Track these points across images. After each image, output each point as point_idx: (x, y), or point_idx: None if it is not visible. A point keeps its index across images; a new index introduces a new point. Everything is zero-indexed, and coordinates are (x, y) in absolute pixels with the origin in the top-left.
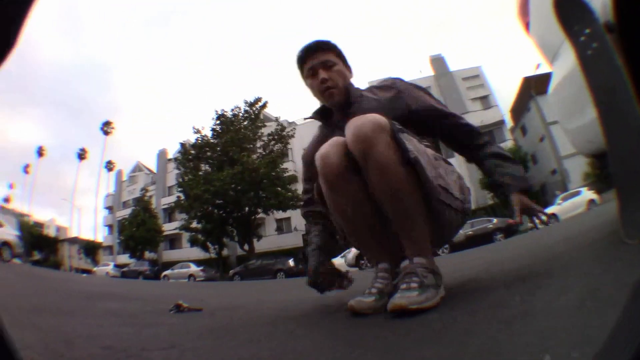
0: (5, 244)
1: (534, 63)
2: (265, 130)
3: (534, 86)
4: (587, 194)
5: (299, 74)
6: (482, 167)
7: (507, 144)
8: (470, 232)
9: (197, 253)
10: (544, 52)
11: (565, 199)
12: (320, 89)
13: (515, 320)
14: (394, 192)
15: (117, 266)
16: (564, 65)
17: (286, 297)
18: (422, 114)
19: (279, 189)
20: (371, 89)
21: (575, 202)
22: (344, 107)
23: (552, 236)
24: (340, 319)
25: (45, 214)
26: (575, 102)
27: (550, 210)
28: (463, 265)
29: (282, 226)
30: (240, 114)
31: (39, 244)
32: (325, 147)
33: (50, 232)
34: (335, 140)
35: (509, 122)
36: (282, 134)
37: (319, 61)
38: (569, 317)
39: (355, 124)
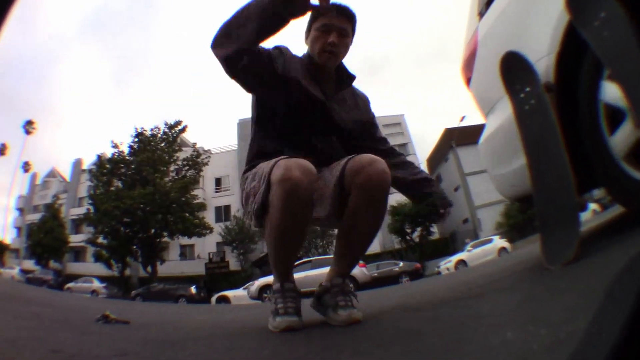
0: None
1: (459, 115)
2: (181, 155)
3: (456, 137)
4: (499, 242)
5: (306, 19)
6: (404, 167)
7: None
8: (375, 274)
9: (100, 269)
10: (481, 105)
11: (475, 246)
12: (324, 48)
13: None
14: (374, 230)
15: (22, 271)
16: (498, 119)
17: (202, 319)
18: (373, 125)
19: (187, 214)
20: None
21: (486, 249)
22: (334, 80)
23: (466, 275)
24: (274, 336)
25: None
26: (505, 151)
27: (458, 257)
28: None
29: (186, 252)
30: (159, 135)
31: None
32: (297, 173)
33: None
34: (305, 166)
35: (425, 171)
36: (197, 161)
37: (339, 25)
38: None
39: (382, 167)
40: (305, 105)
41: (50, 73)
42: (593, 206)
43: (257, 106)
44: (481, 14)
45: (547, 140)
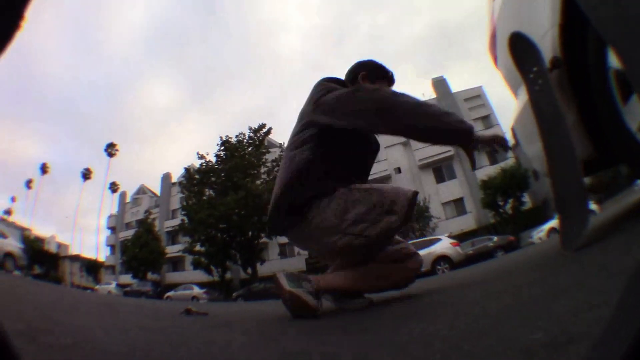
0: (9, 255)
1: None
2: (270, 157)
3: None
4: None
5: (371, 74)
6: None
7: (509, 161)
8: (471, 251)
9: (200, 276)
10: (509, 84)
11: None
12: None
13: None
14: None
15: (119, 285)
16: (523, 98)
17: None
18: None
19: None
20: None
21: None
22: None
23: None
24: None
25: (47, 230)
26: (532, 131)
27: (550, 224)
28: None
29: (285, 250)
30: (245, 140)
31: (39, 258)
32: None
33: (51, 248)
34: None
35: (511, 140)
36: None
37: None
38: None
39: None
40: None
41: (126, 96)
42: (593, 207)
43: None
44: None
45: (555, 121)
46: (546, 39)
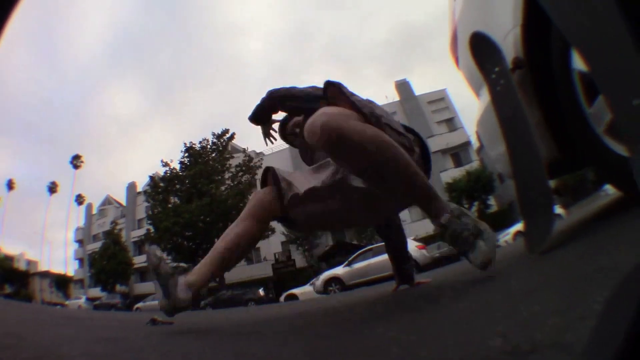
0: None
1: None
2: (234, 162)
3: None
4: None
5: None
6: None
7: (474, 164)
8: (437, 254)
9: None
10: (472, 85)
11: None
12: None
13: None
14: (378, 168)
15: (88, 299)
16: (485, 99)
17: (243, 316)
18: None
19: None
20: None
21: None
22: None
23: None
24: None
25: (15, 247)
26: (495, 132)
27: (516, 228)
28: None
29: (252, 256)
30: (209, 146)
31: (9, 277)
32: None
33: (21, 266)
34: None
35: (475, 143)
36: (250, 165)
37: None
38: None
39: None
40: None
41: (87, 106)
42: (559, 211)
43: None
44: None
45: (517, 122)
46: (508, 39)
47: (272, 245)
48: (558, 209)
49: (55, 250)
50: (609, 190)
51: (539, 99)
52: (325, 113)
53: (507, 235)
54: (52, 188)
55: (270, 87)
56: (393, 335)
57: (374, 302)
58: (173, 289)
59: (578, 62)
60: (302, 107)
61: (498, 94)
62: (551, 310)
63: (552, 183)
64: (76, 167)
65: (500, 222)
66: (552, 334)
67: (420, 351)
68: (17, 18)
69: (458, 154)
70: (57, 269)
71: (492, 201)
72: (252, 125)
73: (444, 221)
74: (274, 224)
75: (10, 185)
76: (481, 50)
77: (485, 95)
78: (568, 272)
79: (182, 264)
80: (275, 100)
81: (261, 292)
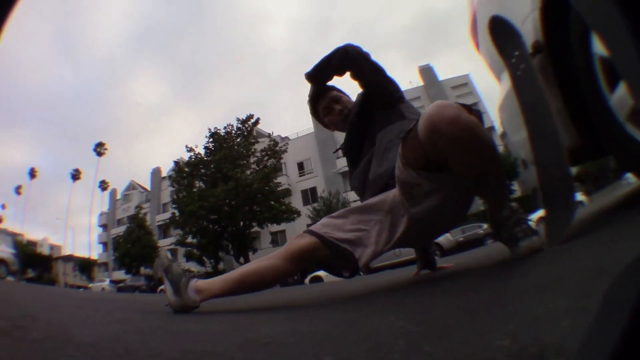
0: (1, 261)
1: None
2: (259, 146)
3: None
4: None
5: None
6: None
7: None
8: (461, 238)
9: (193, 267)
10: (493, 69)
11: None
12: None
13: None
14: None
15: (112, 282)
16: (506, 84)
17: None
18: None
19: (273, 202)
20: None
21: None
22: None
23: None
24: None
25: (39, 233)
26: (517, 117)
27: (539, 214)
28: None
29: (277, 239)
30: (233, 132)
31: (32, 262)
32: None
33: (44, 251)
34: None
35: (499, 128)
36: (275, 149)
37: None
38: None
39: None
40: None
41: (112, 93)
42: (581, 198)
43: None
44: None
45: (539, 108)
46: (527, 23)
47: (297, 228)
48: (580, 197)
49: (78, 235)
50: (630, 179)
51: (560, 85)
52: (451, 105)
53: (531, 221)
54: (75, 175)
55: (295, 73)
56: (401, 325)
57: (393, 288)
58: (184, 289)
59: (599, 47)
60: (375, 83)
61: (519, 79)
62: (566, 309)
63: (573, 170)
64: (100, 154)
65: (524, 207)
66: (562, 336)
67: (424, 345)
68: (41, 9)
69: None
70: (81, 253)
71: (515, 187)
72: (306, 82)
73: (505, 214)
74: (298, 204)
75: (32, 173)
76: (500, 34)
77: (506, 80)
78: (586, 264)
79: (191, 269)
80: (353, 58)
81: None
